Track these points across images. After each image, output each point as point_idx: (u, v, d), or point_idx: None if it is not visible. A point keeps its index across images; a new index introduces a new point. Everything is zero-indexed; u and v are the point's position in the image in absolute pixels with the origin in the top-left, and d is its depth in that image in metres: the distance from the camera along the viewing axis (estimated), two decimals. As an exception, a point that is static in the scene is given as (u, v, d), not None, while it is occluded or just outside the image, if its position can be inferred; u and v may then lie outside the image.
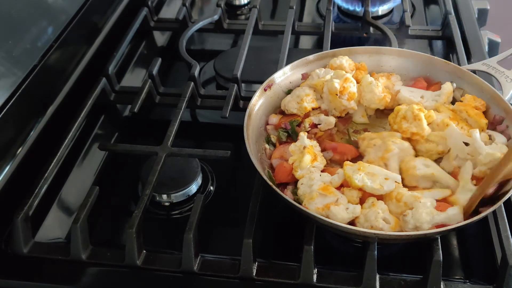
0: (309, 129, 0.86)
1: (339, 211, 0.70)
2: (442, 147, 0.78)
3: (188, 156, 0.85)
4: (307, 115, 0.87)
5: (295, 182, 0.78)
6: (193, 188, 0.85)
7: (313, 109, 0.87)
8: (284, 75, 0.91)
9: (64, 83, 0.98)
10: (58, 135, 0.87)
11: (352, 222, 0.71)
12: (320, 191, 0.72)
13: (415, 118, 0.78)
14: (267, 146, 0.85)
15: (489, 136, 0.80)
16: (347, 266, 0.73)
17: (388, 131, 0.82)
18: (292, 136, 0.84)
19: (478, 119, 0.81)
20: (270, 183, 0.72)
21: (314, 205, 0.71)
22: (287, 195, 0.76)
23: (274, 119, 0.87)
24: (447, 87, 0.86)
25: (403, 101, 0.86)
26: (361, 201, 0.73)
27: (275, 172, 0.80)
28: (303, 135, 0.81)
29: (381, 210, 0.70)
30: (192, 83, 0.96)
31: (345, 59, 0.91)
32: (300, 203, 0.73)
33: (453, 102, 0.87)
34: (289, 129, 0.85)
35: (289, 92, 0.90)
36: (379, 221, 0.69)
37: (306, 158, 0.77)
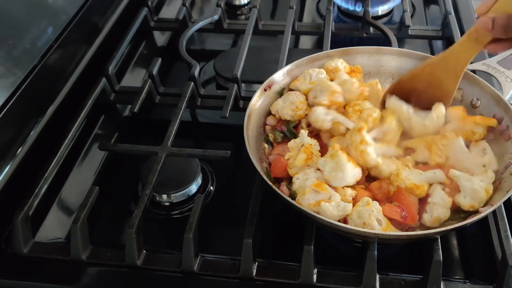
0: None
1: (329, 208, 0.70)
2: None
3: (188, 156, 0.85)
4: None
5: (290, 177, 0.78)
6: (193, 188, 0.85)
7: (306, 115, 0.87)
8: (284, 75, 0.91)
9: (64, 83, 0.98)
10: (58, 135, 0.87)
11: (345, 220, 0.71)
12: (313, 187, 0.72)
13: (361, 154, 0.75)
14: (266, 145, 0.85)
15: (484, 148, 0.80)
16: (347, 266, 0.73)
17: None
18: (289, 137, 0.84)
19: (486, 121, 0.82)
20: (270, 183, 0.72)
21: (306, 201, 0.72)
22: (282, 190, 0.77)
23: (272, 120, 0.87)
24: (438, 110, 0.81)
25: (391, 109, 0.83)
26: (355, 202, 0.73)
27: (272, 166, 0.80)
28: (303, 132, 0.81)
29: (375, 210, 0.70)
30: (192, 83, 0.96)
31: (340, 62, 0.91)
32: (295, 198, 0.74)
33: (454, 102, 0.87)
34: (285, 130, 0.85)
35: (280, 92, 0.90)
36: (372, 219, 0.69)
37: (300, 156, 0.77)
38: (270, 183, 0.72)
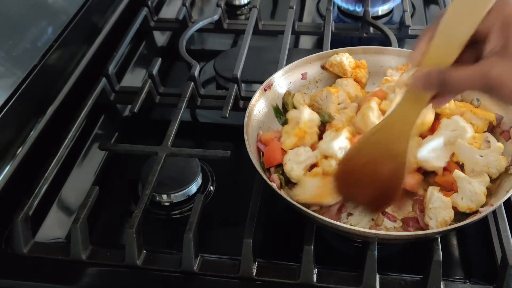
0: None
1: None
2: None
3: (188, 156, 0.85)
4: None
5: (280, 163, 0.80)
6: (193, 188, 0.85)
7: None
8: (284, 75, 0.91)
9: (64, 83, 0.98)
10: (58, 135, 0.87)
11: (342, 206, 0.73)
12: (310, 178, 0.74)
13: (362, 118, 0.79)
14: (260, 132, 0.85)
15: (487, 140, 0.80)
16: (347, 266, 0.73)
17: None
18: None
19: (485, 114, 0.82)
20: (270, 183, 0.72)
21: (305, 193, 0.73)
22: (273, 179, 0.77)
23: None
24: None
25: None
26: None
27: (267, 155, 0.80)
28: (303, 108, 0.82)
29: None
30: (192, 83, 0.96)
31: (345, 57, 0.91)
32: (288, 182, 0.75)
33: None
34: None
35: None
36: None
37: (289, 141, 0.78)
38: (270, 183, 0.72)
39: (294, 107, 0.88)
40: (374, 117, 0.79)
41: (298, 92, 0.90)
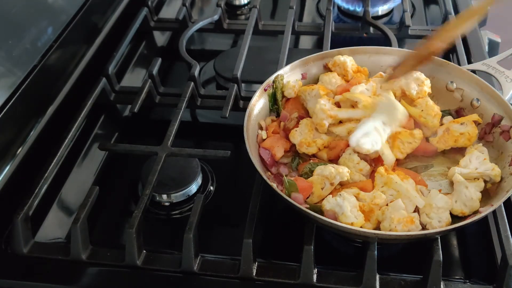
0: None
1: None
2: None
3: (188, 156, 0.85)
4: None
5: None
6: (193, 188, 0.85)
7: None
8: (284, 75, 0.91)
9: (64, 83, 0.98)
10: (58, 135, 0.87)
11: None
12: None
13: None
14: (259, 132, 0.85)
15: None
16: (347, 266, 0.73)
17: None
18: None
19: (468, 118, 0.83)
20: (270, 183, 0.72)
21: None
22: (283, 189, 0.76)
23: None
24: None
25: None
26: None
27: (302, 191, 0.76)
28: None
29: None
30: (192, 83, 0.96)
31: (349, 59, 0.91)
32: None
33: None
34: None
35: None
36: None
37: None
38: (270, 183, 0.72)
39: (282, 92, 0.88)
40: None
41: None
